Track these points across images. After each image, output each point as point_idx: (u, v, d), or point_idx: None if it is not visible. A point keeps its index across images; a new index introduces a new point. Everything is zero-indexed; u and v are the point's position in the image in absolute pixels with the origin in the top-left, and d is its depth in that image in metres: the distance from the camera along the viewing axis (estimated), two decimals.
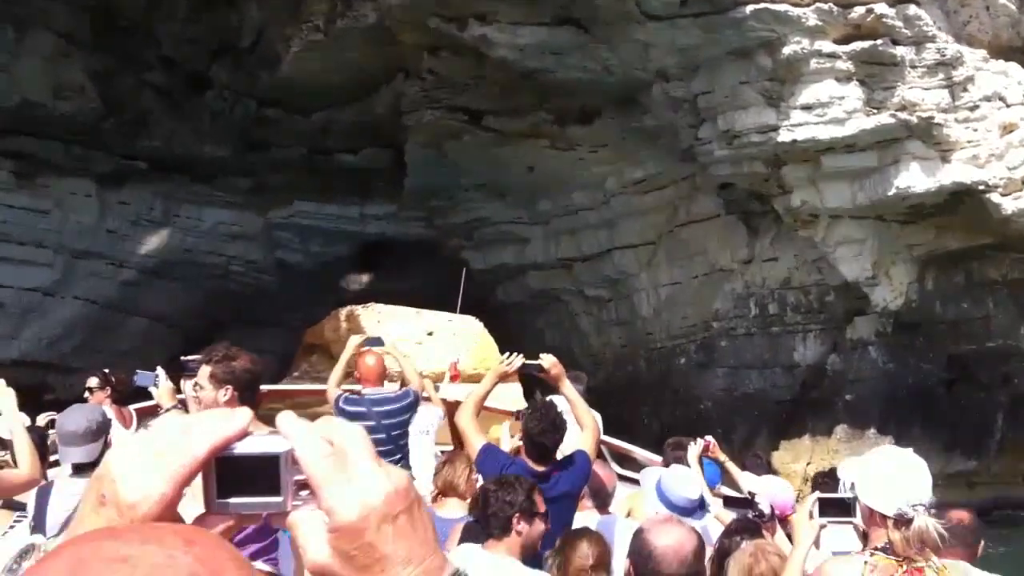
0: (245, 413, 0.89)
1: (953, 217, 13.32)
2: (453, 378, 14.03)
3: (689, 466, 5.53)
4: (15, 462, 4.61)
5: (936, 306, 15.00)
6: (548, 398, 5.39)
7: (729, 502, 4.66)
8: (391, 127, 16.95)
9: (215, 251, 20.62)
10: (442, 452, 6.59)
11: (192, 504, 0.88)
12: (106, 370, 7.33)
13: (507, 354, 5.11)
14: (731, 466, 6.19)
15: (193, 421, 0.88)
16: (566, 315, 20.59)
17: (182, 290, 21.27)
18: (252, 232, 20.75)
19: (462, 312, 25.13)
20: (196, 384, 3.77)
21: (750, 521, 4.20)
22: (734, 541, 3.88)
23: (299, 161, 18.42)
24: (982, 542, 4.23)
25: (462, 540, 4.14)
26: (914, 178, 12.28)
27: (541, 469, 4.51)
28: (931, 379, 15.14)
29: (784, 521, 4.60)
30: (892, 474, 3.09)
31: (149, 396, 5.40)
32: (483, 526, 3.85)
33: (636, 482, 7.55)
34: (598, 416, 6.30)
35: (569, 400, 5.03)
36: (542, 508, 3.84)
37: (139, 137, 17.12)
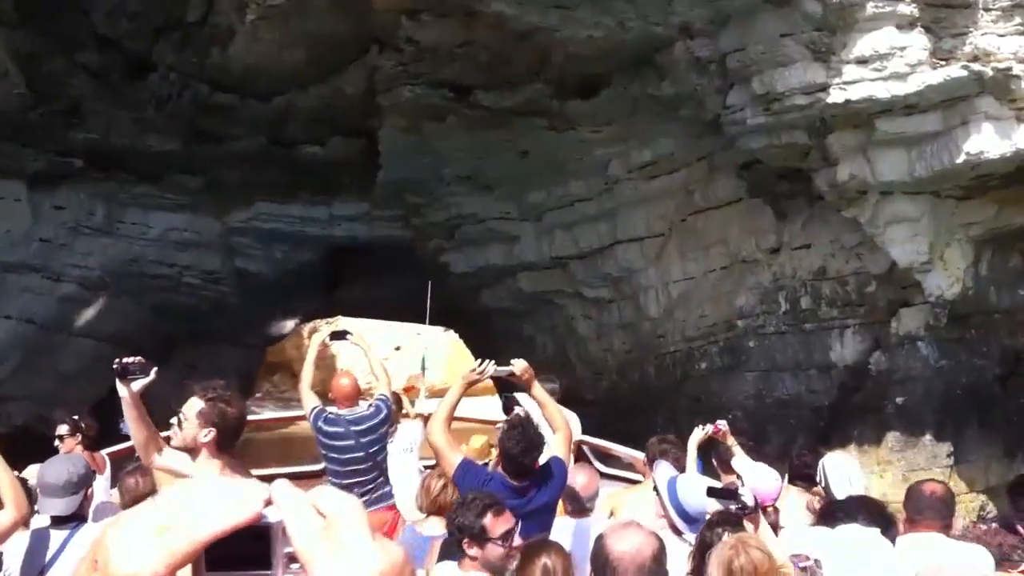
0: (258, 498, 0.88)
1: (1020, 189, 11.52)
2: (407, 391, 13.66)
3: (684, 456, 5.76)
4: None
5: (991, 293, 13.19)
6: (512, 397, 5.87)
7: (712, 492, 4.48)
8: (362, 111, 14.87)
9: (165, 260, 18.38)
10: (426, 468, 6.61)
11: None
12: (75, 416, 7.36)
13: (479, 361, 5.25)
14: (738, 451, 6.07)
15: (205, 501, 0.86)
16: (561, 319, 18.62)
17: (130, 305, 19.02)
18: (207, 239, 18.54)
19: (434, 323, 23.37)
20: (181, 415, 3.76)
21: (732, 513, 4.16)
22: (715, 533, 3.83)
23: (257, 154, 16.26)
24: (955, 515, 4.46)
25: (441, 556, 4.31)
26: (986, 142, 10.41)
27: (519, 484, 4.62)
28: (986, 375, 13.33)
29: (766, 511, 4.63)
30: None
31: (126, 438, 5.09)
32: (457, 543, 3.95)
33: (622, 480, 7.93)
34: (574, 416, 6.98)
35: (540, 402, 5.28)
36: (498, 531, 3.86)
37: (73, 128, 14.89)
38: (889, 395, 13.09)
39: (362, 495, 6.22)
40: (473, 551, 3.83)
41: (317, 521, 0.86)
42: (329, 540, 0.85)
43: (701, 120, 12.49)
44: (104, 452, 7.05)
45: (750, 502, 4.25)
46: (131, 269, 17.98)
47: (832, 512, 4.67)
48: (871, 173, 11.33)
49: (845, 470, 5.88)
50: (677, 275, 15.41)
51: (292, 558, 0.88)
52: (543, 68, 12.82)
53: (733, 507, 4.23)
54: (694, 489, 4.54)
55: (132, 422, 4.33)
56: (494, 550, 3.83)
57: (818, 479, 5.99)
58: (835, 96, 10.55)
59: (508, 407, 6.08)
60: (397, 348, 53.11)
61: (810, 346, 13.81)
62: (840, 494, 5.50)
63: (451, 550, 4.16)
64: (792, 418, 13.65)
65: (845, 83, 10.44)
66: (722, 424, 6.27)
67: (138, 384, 4.23)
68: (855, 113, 10.76)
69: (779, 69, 10.76)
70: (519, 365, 5.14)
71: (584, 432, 17.32)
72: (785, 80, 10.74)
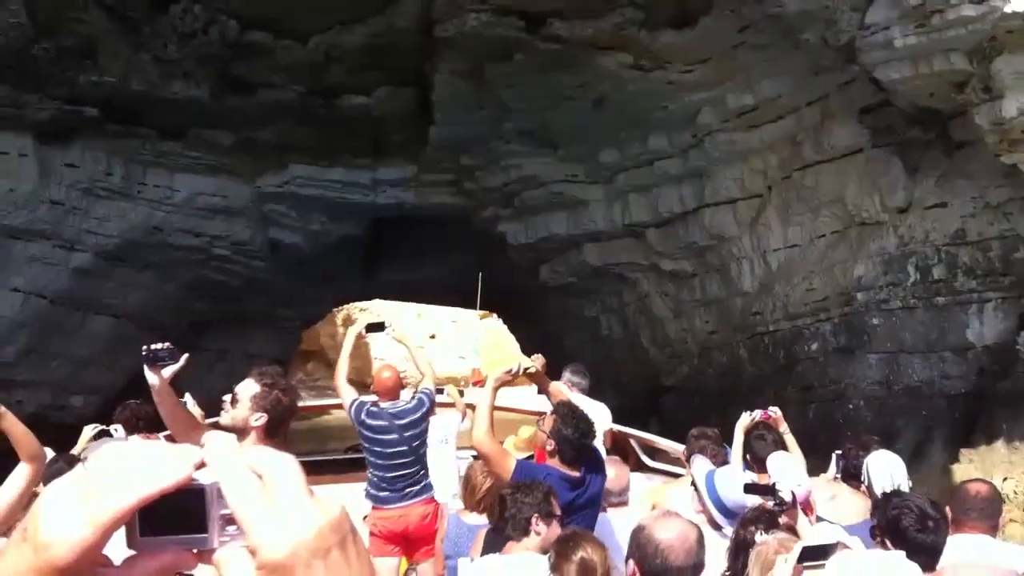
0: (193, 459, 0.87)
1: None
2: (476, 383, 12.25)
3: (728, 449, 5.77)
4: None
5: None
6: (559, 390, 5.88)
7: (749, 488, 4.30)
8: (415, 53, 12.92)
9: (192, 229, 16.47)
10: (472, 458, 6.32)
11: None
12: (130, 403, 6.79)
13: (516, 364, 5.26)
14: (790, 440, 5.85)
15: (133, 462, 0.85)
16: (633, 297, 16.57)
17: (153, 280, 17.19)
18: (238, 205, 16.63)
19: (483, 308, 21.37)
20: (234, 396, 3.91)
21: (767, 510, 3.94)
22: (749, 531, 3.71)
23: (294, 106, 14.33)
24: (1003, 514, 4.34)
25: (486, 546, 4.39)
26: None
27: (576, 474, 4.61)
28: None
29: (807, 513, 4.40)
30: None
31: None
32: (502, 530, 4.05)
33: (667, 474, 7.59)
34: (603, 406, 7.11)
35: (554, 396, 5.57)
36: (558, 511, 4.08)
37: (85, 71, 12.99)
38: None
39: (405, 488, 6.30)
40: (540, 526, 3.96)
41: (253, 481, 0.84)
42: (266, 499, 0.84)
43: (826, 48, 10.33)
44: (162, 435, 6.42)
45: (787, 498, 4.12)
46: (154, 239, 16.09)
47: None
48: None
49: (888, 469, 5.30)
50: (778, 243, 13.29)
51: (229, 520, 0.87)
52: None
53: (770, 503, 4.10)
54: (732, 483, 4.47)
55: (164, 410, 4.20)
56: (557, 528, 3.96)
57: (862, 477, 5.46)
58: (1015, 4, 8.40)
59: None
60: (432, 336, 51.40)
61: (943, 324, 11.65)
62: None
63: (495, 539, 4.27)
64: (924, 409, 11.51)
65: None
66: (773, 411, 6.01)
67: (168, 371, 4.07)
68: None
69: None
70: (539, 361, 5.40)
71: (663, 422, 15.48)
72: None
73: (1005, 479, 11.02)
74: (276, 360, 22.52)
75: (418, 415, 6.39)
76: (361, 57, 13.28)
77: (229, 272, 17.76)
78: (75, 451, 6.14)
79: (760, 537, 3.59)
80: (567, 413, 4.71)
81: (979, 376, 11.59)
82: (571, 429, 4.59)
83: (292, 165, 16.20)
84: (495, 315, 29.85)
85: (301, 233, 17.66)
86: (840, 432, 11.88)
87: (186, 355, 4.16)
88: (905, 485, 5.14)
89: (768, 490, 4.22)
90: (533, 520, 3.94)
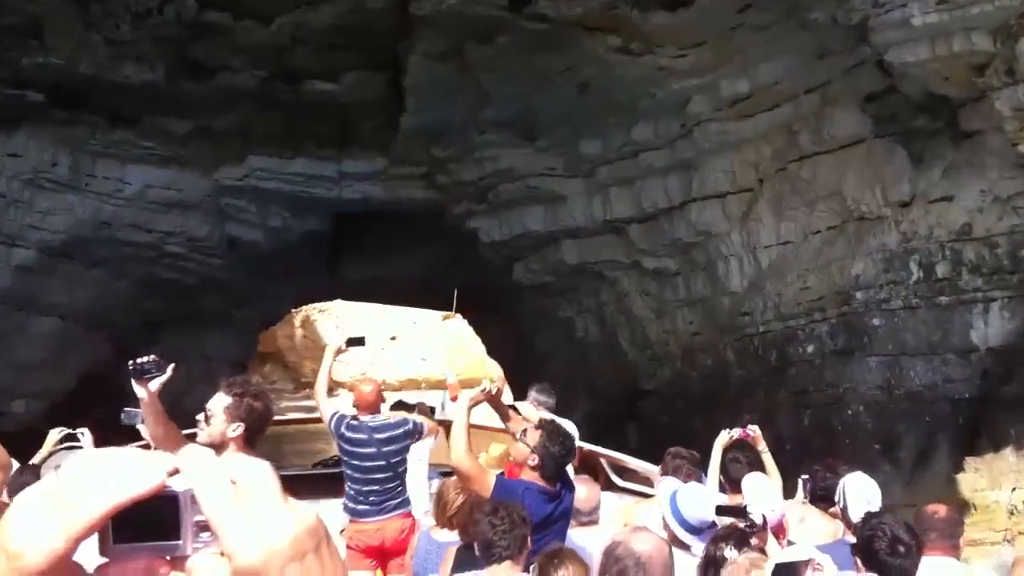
0: (165, 466, 0.88)
1: None
2: (453, 399, 11.40)
3: (696, 472, 5.65)
4: None
5: None
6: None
7: (721, 511, 4.31)
8: (388, 34, 12.11)
9: (144, 224, 15.44)
10: (441, 475, 6.72)
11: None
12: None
13: (486, 380, 5.51)
14: (768, 459, 5.92)
15: (104, 471, 0.85)
16: (611, 296, 15.85)
17: (104, 278, 16.15)
18: (194, 199, 15.61)
19: (448, 306, 20.63)
20: (207, 411, 3.88)
21: (739, 529, 4.00)
22: (720, 548, 3.75)
23: (255, 93, 13.43)
24: (963, 536, 4.43)
25: (456, 564, 4.50)
26: None
27: (553, 489, 4.72)
28: None
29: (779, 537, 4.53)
30: None
31: (130, 431, 5.01)
32: (485, 551, 3.98)
33: (636, 494, 7.54)
34: (570, 424, 6.62)
35: (517, 421, 5.77)
36: (530, 542, 4.08)
37: (30, 52, 11.99)
38: None
39: (382, 502, 6.33)
40: (529, 542, 4.03)
41: (227, 488, 0.85)
42: (240, 506, 0.84)
43: (835, 28, 9.68)
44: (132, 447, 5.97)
45: (758, 520, 4.13)
46: (103, 234, 15.06)
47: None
48: None
49: (864, 493, 5.19)
50: (769, 239, 12.63)
51: (203, 527, 0.87)
52: None
53: (741, 524, 4.08)
54: (695, 502, 4.48)
55: (152, 422, 4.21)
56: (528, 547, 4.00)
57: (836, 499, 5.33)
58: None
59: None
60: (393, 338, 50.53)
61: (946, 325, 11.05)
62: (856, 517, 4.88)
63: (466, 556, 4.36)
64: (927, 415, 10.90)
65: None
66: (752, 429, 6.00)
67: (155, 383, 4.10)
68: None
69: None
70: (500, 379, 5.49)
71: (642, 427, 15.08)
72: None
73: (1014, 489, 10.46)
74: (235, 362, 21.55)
75: (399, 432, 6.43)
76: (329, 38, 12.42)
77: (184, 270, 16.75)
78: (40, 455, 6.11)
79: (731, 554, 3.64)
80: (554, 430, 4.80)
81: (984, 380, 11.01)
82: (558, 446, 4.69)
83: (252, 156, 15.23)
84: (459, 316, 29.00)
85: (261, 229, 16.70)
86: (838, 438, 11.26)
87: (172, 365, 4.17)
88: (877, 508, 5.08)
89: (739, 512, 4.25)
90: (528, 538, 4.01)
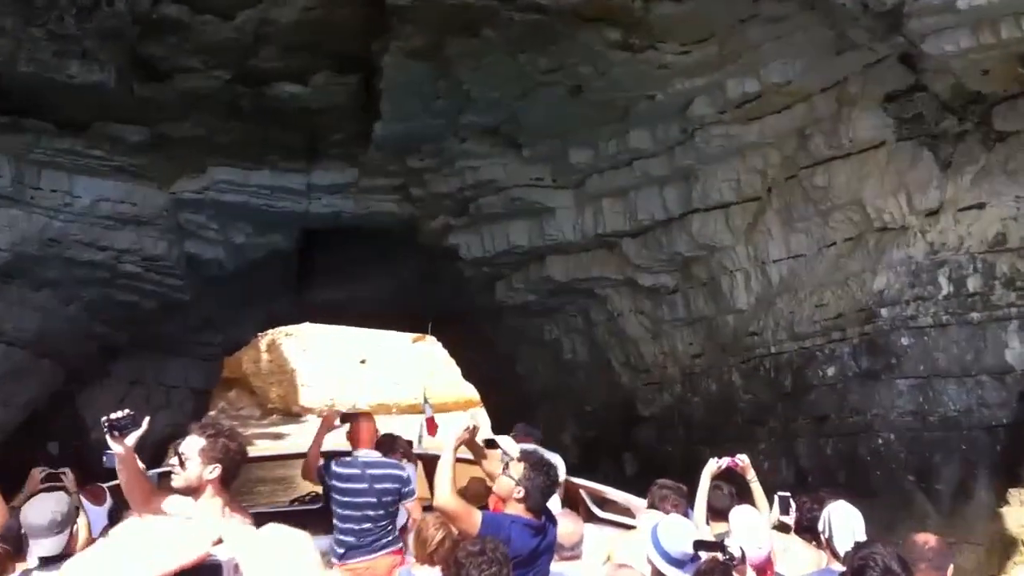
0: (207, 538, 1.01)
1: None
2: (431, 432, 12.18)
3: (683, 503, 5.67)
4: None
5: None
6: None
7: (700, 545, 4.41)
8: (361, 32, 11.04)
9: (95, 242, 14.15)
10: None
11: None
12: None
13: (469, 414, 5.62)
14: (756, 488, 6.16)
15: (150, 540, 0.99)
16: (602, 316, 14.79)
17: (52, 301, 14.86)
18: (149, 213, 14.34)
19: (423, 329, 19.66)
20: (182, 455, 3.87)
21: (720, 563, 4.15)
22: None
23: (216, 96, 12.29)
24: (951, 566, 4.39)
25: None
26: None
27: (539, 522, 4.73)
28: None
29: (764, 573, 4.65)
30: None
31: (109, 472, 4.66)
32: None
33: (617, 525, 7.50)
34: (557, 457, 6.79)
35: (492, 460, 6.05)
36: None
37: None
38: None
39: (373, 540, 6.25)
40: None
41: (270, 556, 0.94)
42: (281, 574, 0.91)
43: (863, 16, 8.68)
44: (106, 485, 6.62)
45: (737, 554, 4.20)
46: (50, 252, 13.75)
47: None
48: None
49: (849, 523, 5.03)
50: (779, 252, 11.64)
51: None
52: None
53: (721, 557, 4.17)
54: (675, 534, 4.44)
55: (126, 478, 4.12)
56: None
57: (821, 528, 5.18)
58: None
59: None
60: (362, 361, 49.29)
61: (978, 344, 10.06)
62: (842, 548, 4.79)
63: None
64: (963, 442, 9.89)
65: None
66: (741, 458, 6.19)
67: (132, 438, 4.05)
68: None
69: None
70: (474, 420, 5.24)
71: (639, 456, 14.89)
72: None
73: None
74: (199, 391, 20.24)
75: (392, 472, 6.38)
76: (296, 36, 11.31)
77: (140, 291, 15.48)
78: (23, 495, 5.84)
79: None
80: (537, 460, 4.82)
81: (1021, 403, 10.04)
82: (542, 477, 4.72)
83: (213, 168, 14.05)
84: (431, 337, 27.81)
85: (223, 246, 15.50)
86: (867, 469, 10.23)
87: (148, 418, 4.10)
88: (863, 538, 5.03)
89: (717, 546, 4.31)
90: None
